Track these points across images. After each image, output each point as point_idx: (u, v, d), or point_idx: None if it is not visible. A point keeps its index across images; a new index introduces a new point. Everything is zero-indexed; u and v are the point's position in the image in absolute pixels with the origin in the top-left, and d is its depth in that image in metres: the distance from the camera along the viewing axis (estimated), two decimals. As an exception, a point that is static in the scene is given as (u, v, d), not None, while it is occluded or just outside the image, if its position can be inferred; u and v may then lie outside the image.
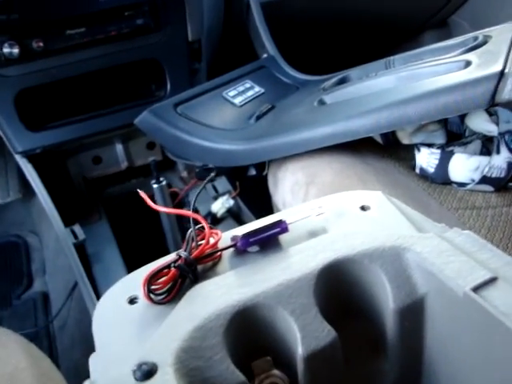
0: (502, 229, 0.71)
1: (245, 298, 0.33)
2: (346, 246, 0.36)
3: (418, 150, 0.81)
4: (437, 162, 0.79)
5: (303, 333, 0.33)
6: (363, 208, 0.41)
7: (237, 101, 0.94)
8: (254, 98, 0.95)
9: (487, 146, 0.79)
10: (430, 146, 0.81)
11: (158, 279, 0.35)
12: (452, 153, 0.78)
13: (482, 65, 0.68)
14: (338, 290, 0.36)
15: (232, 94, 0.95)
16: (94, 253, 1.02)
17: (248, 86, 0.98)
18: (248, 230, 0.37)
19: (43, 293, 1.25)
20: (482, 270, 0.33)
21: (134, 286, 0.36)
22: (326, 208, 0.41)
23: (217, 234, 0.38)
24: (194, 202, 0.70)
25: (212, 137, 0.87)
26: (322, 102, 0.83)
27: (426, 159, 0.80)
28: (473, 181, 0.77)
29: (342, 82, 0.90)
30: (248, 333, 0.34)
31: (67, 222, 1.00)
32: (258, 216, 0.97)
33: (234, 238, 0.37)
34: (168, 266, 0.35)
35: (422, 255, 0.35)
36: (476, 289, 0.32)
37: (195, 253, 0.36)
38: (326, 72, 0.99)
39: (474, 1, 1.42)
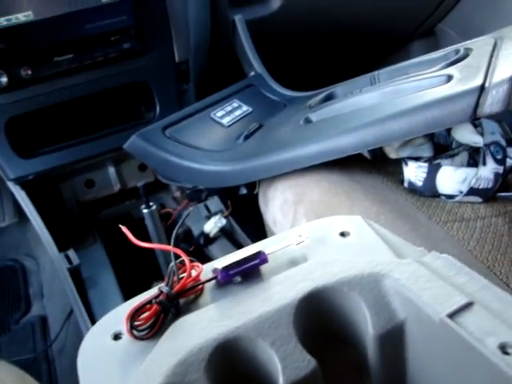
0: (490, 240, 0.71)
1: (225, 331, 0.34)
2: (324, 274, 0.37)
3: (406, 164, 0.81)
4: (425, 175, 0.79)
5: (284, 363, 0.33)
6: (343, 234, 0.42)
7: (225, 121, 0.94)
8: (241, 118, 0.96)
9: (474, 157, 0.80)
10: (417, 159, 0.82)
11: (141, 315, 0.36)
12: (439, 165, 0.79)
13: (463, 79, 0.69)
14: (318, 318, 0.36)
15: (220, 114, 0.95)
16: (89, 277, 1.03)
17: (236, 105, 0.98)
18: (228, 262, 0.37)
19: (41, 317, 1.25)
20: (459, 295, 0.33)
21: (118, 321, 0.37)
22: (305, 236, 0.41)
23: (198, 266, 0.38)
24: (177, 229, 0.70)
25: (201, 159, 0.87)
26: (308, 120, 0.84)
27: (414, 173, 0.80)
28: (461, 192, 0.77)
29: (328, 98, 0.90)
30: (229, 366, 0.34)
31: (62, 246, 1.00)
32: (251, 234, 0.98)
33: (214, 271, 0.38)
34: (150, 302, 0.35)
35: (400, 281, 0.35)
36: (452, 315, 0.32)
37: (177, 287, 0.36)
38: (314, 87, 1.00)
39: (459, 10, 1.43)
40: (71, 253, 0.97)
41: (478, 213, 0.76)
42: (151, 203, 0.75)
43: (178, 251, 0.38)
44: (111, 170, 1.14)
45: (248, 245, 0.61)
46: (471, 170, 0.77)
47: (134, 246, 0.41)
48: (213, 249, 1.00)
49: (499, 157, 0.77)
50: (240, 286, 0.38)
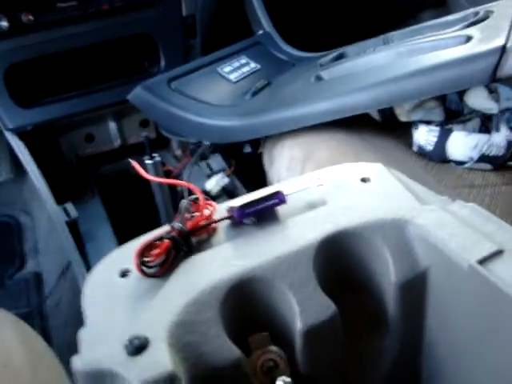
0: (501, 207, 0.70)
1: (241, 271, 0.32)
2: (345, 218, 0.35)
3: (416, 128, 0.79)
4: (435, 139, 0.77)
5: (302, 307, 0.31)
6: (363, 180, 0.40)
7: (232, 77, 0.92)
8: (249, 75, 0.93)
9: (486, 124, 0.78)
10: (428, 123, 0.80)
11: (151, 251, 0.34)
12: (451, 130, 0.77)
13: (484, 39, 0.66)
14: (338, 263, 0.35)
15: (227, 69, 0.93)
16: (86, 231, 1.01)
17: (243, 62, 0.96)
18: (244, 202, 0.35)
19: (36, 273, 1.23)
20: (488, 242, 0.32)
21: (126, 258, 0.35)
22: (325, 180, 0.39)
23: (211, 205, 0.36)
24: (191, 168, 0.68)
25: (207, 113, 0.85)
26: (319, 78, 0.81)
27: (424, 137, 0.78)
28: (471, 159, 0.76)
29: (340, 58, 0.88)
30: (244, 307, 0.33)
31: (59, 200, 0.98)
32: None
33: (230, 210, 0.36)
34: (161, 238, 0.33)
35: (425, 228, 0.34)
36: (481, 262, 0.31)
37: (189, 224, 0.34)
38: (323, 49, 0.97)
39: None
40: (69, 206, 0.95)
41: (488, 180, 0.75)
42: (154, 155, 0.72)
43: (193, 187, 0.36)
44: (112, 125, 1.11)
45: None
46: (483, 137, 0.75)
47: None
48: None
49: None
50: (256, 227, 0.36)
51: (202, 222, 0.35)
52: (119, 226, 1.02)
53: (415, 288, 0.34)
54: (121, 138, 1.13)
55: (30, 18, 0.92)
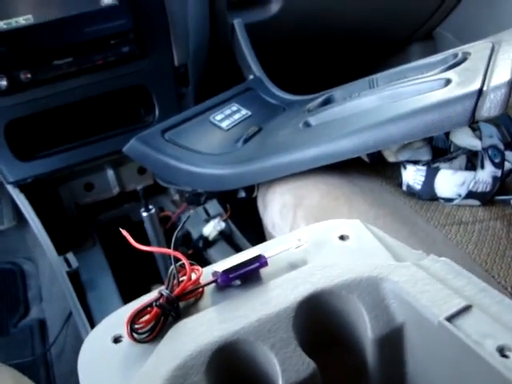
0: (489, 243, 0.72)
1: (225, 335, 0.34)
2: (324, 277, 0.37)
3: (404, 168, 0.82)
4: (423, 178, 0.80)
5: (283, 367, 0.33)
6: (342, 237, 0.42)
7: (224, 124, 0.95)
8: (240, 121, 0.96)
9: (472, 160, 0.80)
10: (415, 162, 0.82)
11: (141, 318, 0.36)
12: (438, 169, 0.79)
13: (462, 83, 0.69)
14: (318, 321, 0.36)
15: (219, 117, 0.96)
16: (88, 280, 1.03)
17: (235, 109, 0.99)
18: (228, 266, 0.37)
19: (40, 320, 1.25)
20: (457, 298, 0.33)
21: (119, 324, 0.37)
22: (305, 239, 0.41)
23: (198, 269, 0.38)
24: (177, 233, 0.70)
25: (200, 162, 0.87)
26: (307, 124, 0.84)
27: (413, 176, 0.80)
28: (459, 196, 0.78)
29: (327, 102, 0.91)
30: (229, 369, 0.34)
31: (61, 249, 1.00)
32: (250, 238, 0.98)
33: (214, 274, 0.38)
34: (150, 305, 0.35)
35: (399, 284, 0.35)
36: (450, 318, 0.32)
37: (177, 290, 0.36)
38: (313, 91, 1.00)
39: (457, 14, 1.44)
40: (70, 256, 0.97)
41: (477, 216, 0.76)
42: (150, 206, 0.75)
43: (178, 254, 0.38)
44: (110, 173, 1.14)
45: (247, 248, 0.61)
46: (469, 174, 0.77)
47: (133, 249, 0.41)
48: (212, 252, 1.00)
49: (497, 160, 0.77)
50: (240, 289, 0.38)
51: (189, 287, 0.37)
52: (120, 274, 1.04)
53: (392, 342, 0.36)
54: (119, 185, 1.15)
55: (28, 76, 0.95)
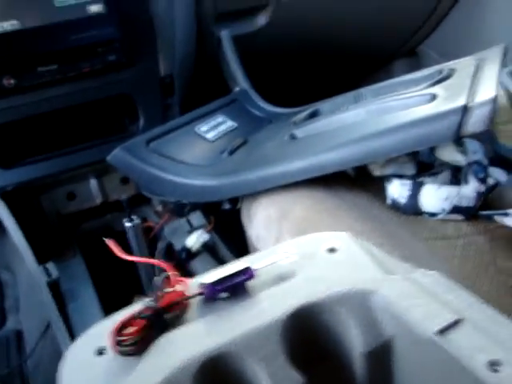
0: (472, 258, 0.72)
1: (212, 348, 0.33)
2: (313, 290, 0.36)
3: (390, 182, 0.82)
4: (408, 192, 0.80)
5: (271, 381, 0.32)
6: (331, 250, 0.41)
7: (209, 136, 0.94)
8: (226, 133, 0.96)
9: (457, 176, 0.81)
10: (400, 177, 0.82)
11: (126, 329, 0.35)
12: (422, 183, 0.79)
13: (447, 98, 0.70)
14: (307, 334, 0.36)
15: (204, 129, 0.95)
16: (68, 290, 1.01)
17: (220, 120, 0.98)
18: (215, 278, 0.36)
19: (17, 331, 1.22)
20: (448, 312, 0.33)
21: (102, 336, 0.36)
22: (293, 251, 0.41)
23: (183, 281, 0.37)
24: (161, 244, 0.70)
25: (185, 173, 0.87)
26: (292, 137, 0.84)
27: (398, 190, 0.81)
28: (444, 210, 0.78)
29: (313, 115, 0.91)
30: (217, 383, 0.34)
31: (41, 259, 0.98)
32: (234, 250, 0.97)
33: (201, 286, 0.37)
34: (136, 317, 0.34)
35: (389, 298, 0.35)
36: (441, 332, 0.32)
37: (163, 302, 0.35)
38: (299, 103, 1.01)
39: (441, 31, 1.46)
40: (50, 266, 0.96)
41: (460, 231, 0.77)
42: (134, 217, 0.74)
43: (164, 264, 0.37)
44: (93, 183, 1.12)
45: (231, 260, 0.61)
46: (454, 189, 0.78)
47: (115, 260, 0.41)
48: (195, 264, 0.98)
49: (481, 176, 0.77)
50: (227, 302, 0.37)
51: (175, 299, 0.36)
52: (102, 285, 1.02)
53: (381, 356, 0.35)
54: (102, 195, 1.14)
55: (12, 82, 0.94)
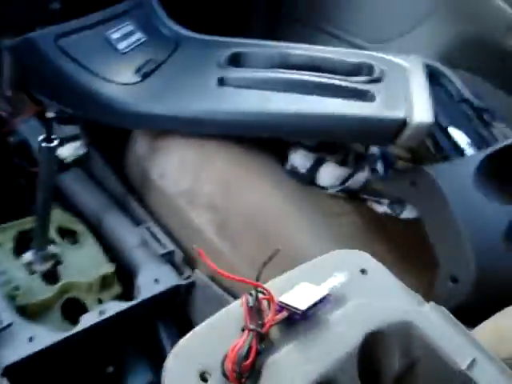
0: (358, 237, 0.82)
1: (318, 375, 0.36)
2: (378, 317, 0.41)
3: (294, 150, 0.87)
4: (309, 165, 0.86)
5: None
6: (362, 271, 0.46)
7: (120, 46, 0.85)
8: (136, 46, 0.87)
9: (355, 160, 0.89)
10: (303, 147, 0.88)
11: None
12: (324, 160, 0.87)
13: (386, 104, 0.76)
14: (368, 361, 0.41)
15: (115, 36, 0.85)
16: None
17: (130, 28, 0.88)
18: (306, 305, 0.38)
19: None
20: (468, 349, 0.42)
21: (200, 353, 0.35)
22: (333, 271, 0.44)
23: (271, 298, 0.38)
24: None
25: (92, 84, 0.78)
26: (221, 82, 0.82)
27: (300, 160, 0.86)
28: (334, 187, 0.87)
29: (236, 59, 0.88)
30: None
31: None
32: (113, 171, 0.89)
33: (287, 307, 0.38)
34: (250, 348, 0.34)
35: (425, 330, 0.42)
36: (469, 367, 0.41)
37: (266, 326, 0.36)
38: (208, 32, 0.96)
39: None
40: None
41: (343, 209, 0.87)
42: (54, 136, 0.64)
43: (263, 287, 0.37)
44: None
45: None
46: (349, 171, 0.87)
47: None
48: (66, 179, 0.88)
49: (373, 166, 0.88)
50: (304, 323, 0.39)
51: (273, 323, 0.37)
52: None
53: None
54: None
55: None
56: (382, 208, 0.88)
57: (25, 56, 0.75)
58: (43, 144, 0.64)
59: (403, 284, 0.47)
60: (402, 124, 0.73)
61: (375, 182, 0.87)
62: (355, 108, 0.76)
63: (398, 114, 0.73)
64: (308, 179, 0.87)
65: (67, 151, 0.90)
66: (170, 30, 0.95)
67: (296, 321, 0.39)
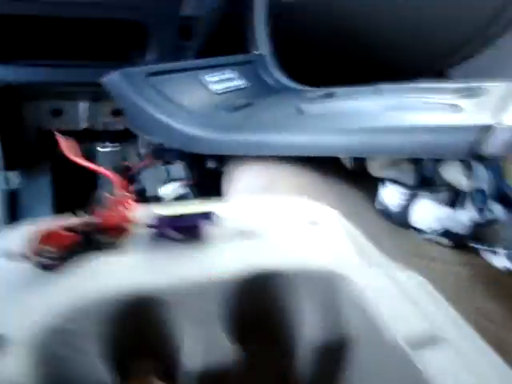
0: (449, 288, 0.67)
1: (144, 288, 0.28)
2: (277, 258, 0.31)
3: (385, 186, 0.77)
4: (401, 202, 0.75)
5: (204, 346, 0.27)
6: (312, 222, 0.36)
7: (214, 87, 0.88)
8: (232, 90, 0.90)
9: (455, 198, 0.76)
10: (398, 184, 0.77)
11: (53, 240, 0.29)
12: (419, 197, 0.74)
13: (472, 114, 0.64)
14: (256, 305, 0.30)
15: (211, 79, 0.89)
16: (25, 205, 0.94)
17: (229, 76, 0.92)
18: (172, 213, 0.31)
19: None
20: (424, 325, 0.28)
21: (18, 238, 0.30)
22: (271, 210, 0.35)
23: (133, 205, 0.32)
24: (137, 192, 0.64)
25: (179, 116, 0.81)
26: (300, 111, 0.78)
27: (391, 197, 0.76)
28: (434, 231, 0.73)
29: (328, 96, 0.85)
30: (138, 328, 0.28)
31: (10, 166, 0.92)
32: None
33: (153, 217, 0.31)
34: (66, 228, 0.29)
35: (361, 290, 0.30)
36: (411, 343, 0.27)
37: (102, 220, 0.30)
38: (313, 85, 0.95)
39: (474, 62, 1.41)
40: (13, 175, 0.89)
41: (444, 256, 0.72)
42: (109, 144, 0.67)
43: (113, 177, 0.31)
44: (82, 105, 1.06)
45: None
46: (450, 211, 0.73)
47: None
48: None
49: (480, 205, 0.72)
50: (177, 244, 0.31)
51: (117, 221, 0.30)
52: (63, 207, 0.95)
53: (335, 354, 0.30)
54: (89, 120, 1.07)
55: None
56: (499, 260, 0.70)
57: (117, 89, 0.82)
58: (99, 149, 0.68)
59: (372, 245, 0.35)
60: (486, 129, 0.59)
61: (490, 226, 0.71)
62: (431, 119, 0.65)
63: (483, 120, 0.61)
64: (401, 219, 0.75)
65: (167, 190, 0.94)
66: (276, 80, 0.96)
67: (163, 236, 0.31)
